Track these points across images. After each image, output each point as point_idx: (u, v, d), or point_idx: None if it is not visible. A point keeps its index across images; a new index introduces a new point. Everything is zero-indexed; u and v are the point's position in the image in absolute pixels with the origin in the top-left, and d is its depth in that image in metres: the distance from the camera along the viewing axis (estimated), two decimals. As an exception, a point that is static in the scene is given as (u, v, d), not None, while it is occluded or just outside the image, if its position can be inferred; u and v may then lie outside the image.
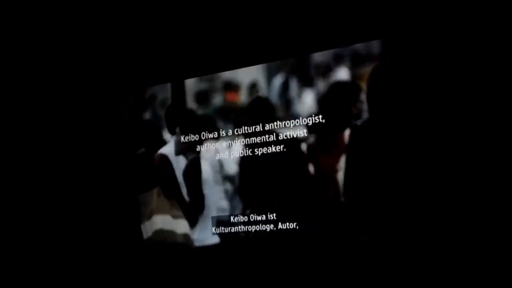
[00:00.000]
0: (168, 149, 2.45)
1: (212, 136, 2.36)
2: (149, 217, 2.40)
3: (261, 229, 2.21)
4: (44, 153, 2.64)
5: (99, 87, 2.67)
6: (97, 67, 2.66)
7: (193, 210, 2.35)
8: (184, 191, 2.37)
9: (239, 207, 2.28)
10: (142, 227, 2.42)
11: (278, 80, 2.27)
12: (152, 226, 2.40)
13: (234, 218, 2.28)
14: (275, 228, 2.19)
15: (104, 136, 2.64)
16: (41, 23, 2.48)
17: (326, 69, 2.15)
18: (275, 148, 2.22)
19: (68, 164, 2.64)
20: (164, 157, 2.41)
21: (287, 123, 2.21)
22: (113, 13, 2.43)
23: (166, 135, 2.47)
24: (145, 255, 2.44)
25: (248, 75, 2.33)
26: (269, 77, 2.29)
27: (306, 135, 2.17)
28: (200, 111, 2.42)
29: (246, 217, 2.25)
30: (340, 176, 2.07)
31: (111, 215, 2.56)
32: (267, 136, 2.24)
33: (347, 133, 2.08)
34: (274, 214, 2.20)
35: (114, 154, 2.61)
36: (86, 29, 2.53)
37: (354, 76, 2.09)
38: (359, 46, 2.09)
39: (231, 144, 2.31)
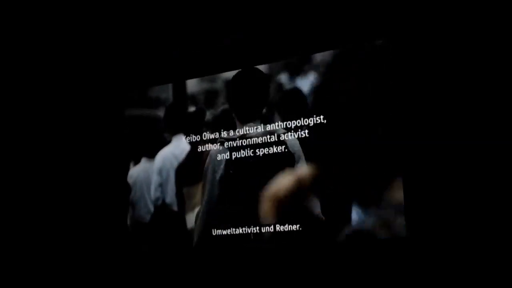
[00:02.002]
0: (169, 149, 2.48)
1: (213, 137, 2.35)
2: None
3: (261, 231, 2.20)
4: (46, 153, 2.66)
5: (100, 88, 2.69)
6: (97, 68, 2.68)
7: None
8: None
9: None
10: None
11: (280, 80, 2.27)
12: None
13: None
14: (273, 230, 2.17)
15: (105, 136, 2.66)
16: (41, 24, 2.50)
17: (327, 70, 2.15)
18: (277, 149, 2.19)
19: (71, 163, 2.66)
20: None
21: (289, 124, 2.19)
22: (113, 14, 2.45)
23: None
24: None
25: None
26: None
27: (307, 135, 2.14)
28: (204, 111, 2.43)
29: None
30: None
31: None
32: (268, 136, 2.22)
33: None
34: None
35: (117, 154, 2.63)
36: (86, 30, 2.54)
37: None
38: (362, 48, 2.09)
39: (232, 144, 2.30)
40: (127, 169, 2.56)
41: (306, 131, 2.15)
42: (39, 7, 2.37)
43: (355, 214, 2.02)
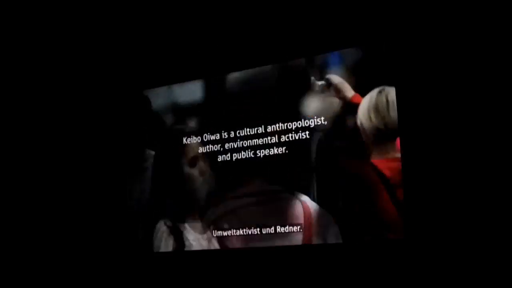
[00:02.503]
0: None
1: (214, 138, 2.35)
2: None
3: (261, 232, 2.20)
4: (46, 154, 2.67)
5: (98, 90, 2.69)
6: (95, 70, 2.68)
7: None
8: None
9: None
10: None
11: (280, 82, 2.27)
12: None
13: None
14: (274, 231, 2.17)
15: (105, 138, 2.66)
16: (39, 26, 2.51)
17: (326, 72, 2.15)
18: (277, 150, 2.19)
19: (70, 164, 2.67)
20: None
21: (290, 125, 2.19)
22: (112, 16, 2.45)
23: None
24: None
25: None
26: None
27: (308, 137, 2.15)
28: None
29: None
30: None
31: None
32: (269, 138, 2.22)
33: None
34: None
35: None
36: (84, 32, 2.55)
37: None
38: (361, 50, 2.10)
39: (233, 146, 2.30)
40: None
41: (307, 132, 2.15)
42: (38, 8, 2.38)
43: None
